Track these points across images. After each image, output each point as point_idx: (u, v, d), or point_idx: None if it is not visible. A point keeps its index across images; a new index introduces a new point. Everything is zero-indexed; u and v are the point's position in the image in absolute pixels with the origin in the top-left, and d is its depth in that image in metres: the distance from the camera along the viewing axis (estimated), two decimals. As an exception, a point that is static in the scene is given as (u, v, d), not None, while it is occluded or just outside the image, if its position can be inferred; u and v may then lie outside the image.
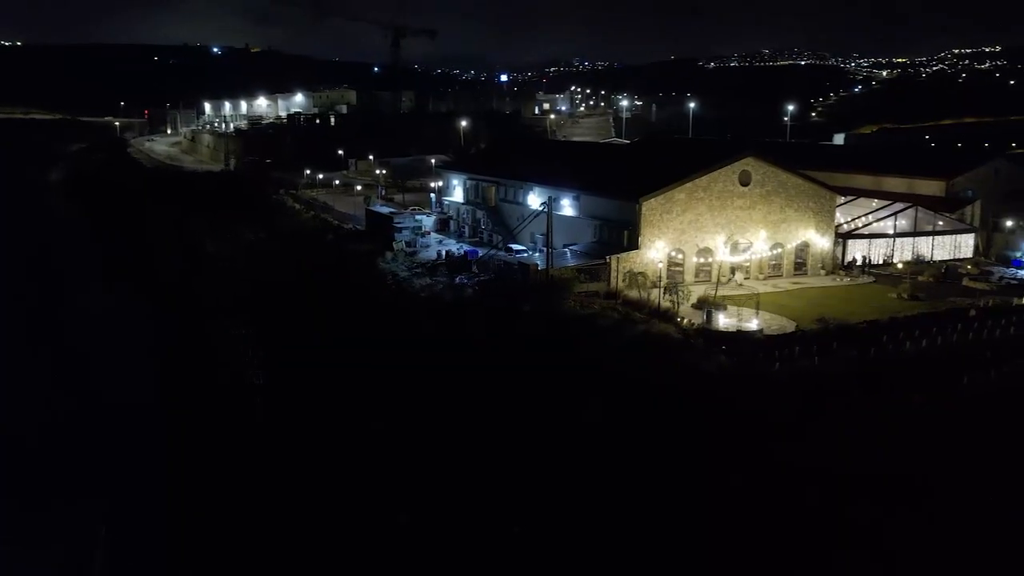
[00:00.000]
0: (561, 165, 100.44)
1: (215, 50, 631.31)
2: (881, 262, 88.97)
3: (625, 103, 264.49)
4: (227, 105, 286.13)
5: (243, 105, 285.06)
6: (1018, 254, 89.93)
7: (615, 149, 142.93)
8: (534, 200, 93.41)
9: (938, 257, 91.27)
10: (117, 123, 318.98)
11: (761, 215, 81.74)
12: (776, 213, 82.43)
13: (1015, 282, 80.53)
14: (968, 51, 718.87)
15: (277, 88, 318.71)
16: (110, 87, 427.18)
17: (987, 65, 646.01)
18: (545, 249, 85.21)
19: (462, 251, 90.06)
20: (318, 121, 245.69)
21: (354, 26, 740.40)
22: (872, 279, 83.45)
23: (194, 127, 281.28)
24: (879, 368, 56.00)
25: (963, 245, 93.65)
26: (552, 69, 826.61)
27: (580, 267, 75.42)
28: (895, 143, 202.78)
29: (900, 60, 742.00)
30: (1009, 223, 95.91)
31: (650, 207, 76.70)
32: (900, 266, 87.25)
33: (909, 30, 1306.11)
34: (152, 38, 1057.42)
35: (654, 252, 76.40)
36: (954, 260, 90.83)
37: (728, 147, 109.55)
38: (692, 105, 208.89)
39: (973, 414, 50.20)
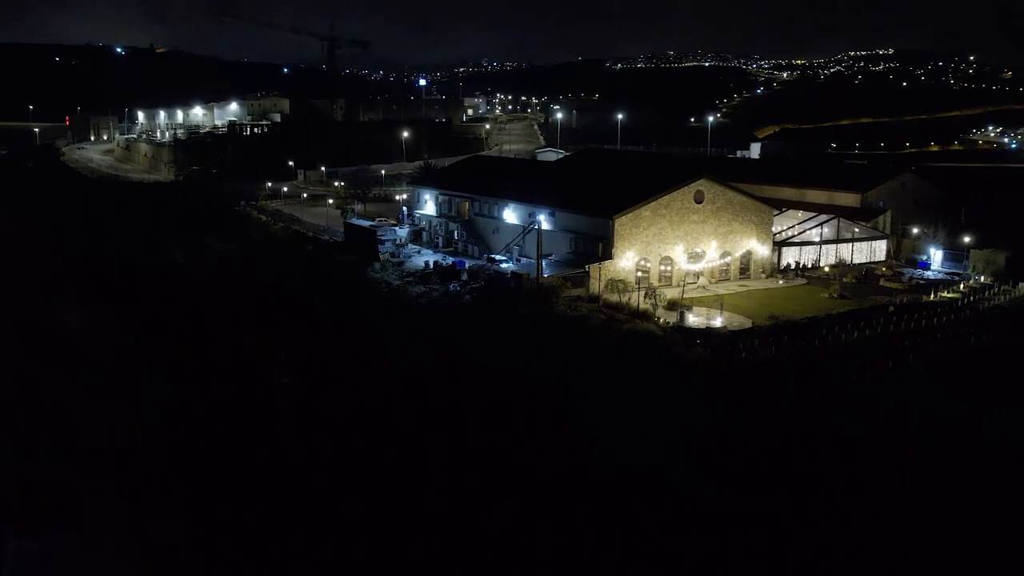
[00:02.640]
0: (530, 182, 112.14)
1: (118, 50, 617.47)
2: (810, 266, 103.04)
3: (560, 115, 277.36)
4: (162, 114, 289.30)
5: (179, 114, 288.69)
6: (924, 257, 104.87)
7: (568, 165, 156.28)
8: (510, 215, 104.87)
9: (857, 261, 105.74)
10: (36, 129, 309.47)
11: (712, 228, 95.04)
12: (725, 226, 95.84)
13: (923, 282, 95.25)
14: (863, 53, 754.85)
15: (191, 92, 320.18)
16: (11, 89, 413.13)
17: (881, 67, 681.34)
18: (522, 259, 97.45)
19: (449, 261, 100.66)
20: (258, 130, 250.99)
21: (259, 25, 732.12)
22: (805, 281, 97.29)
23: (128, 135, 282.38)
24: (823, 355, 69.57)
25: (878, 250, 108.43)
26: (461, 69, 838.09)
27: (565, 275, 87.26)
28: (812, 155, 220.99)
29: (799, 62, 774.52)
30: (915, 230, 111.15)
31: (622, 223, 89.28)
32: (827, 269, 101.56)
33: (805, 31, 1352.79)
34: (44, 37, 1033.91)
35: (625, 261, 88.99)
36: (870, 263, 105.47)
37: (672, 163, 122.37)
38: (620, 116, 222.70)
39: (898, 390, 63.90)
